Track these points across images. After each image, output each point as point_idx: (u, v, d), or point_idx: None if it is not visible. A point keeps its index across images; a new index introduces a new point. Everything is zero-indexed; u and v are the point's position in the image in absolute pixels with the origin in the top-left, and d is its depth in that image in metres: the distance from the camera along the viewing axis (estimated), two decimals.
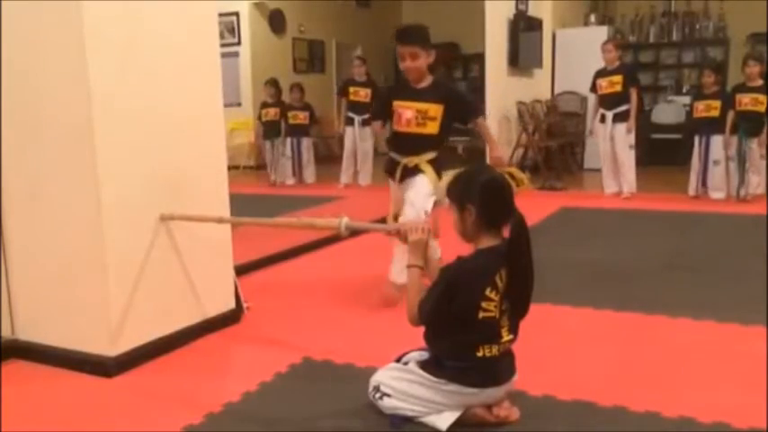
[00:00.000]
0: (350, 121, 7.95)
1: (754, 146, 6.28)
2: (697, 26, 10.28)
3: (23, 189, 2.77)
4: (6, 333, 2.86)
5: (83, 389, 2.54)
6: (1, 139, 2.75)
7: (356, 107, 7.91)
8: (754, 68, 6.26)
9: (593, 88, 6.95)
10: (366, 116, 7.80)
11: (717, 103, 6.44)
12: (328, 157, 9.88)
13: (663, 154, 8.62)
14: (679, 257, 4.36)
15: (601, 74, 6.86)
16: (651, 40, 10.59)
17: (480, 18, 7.74)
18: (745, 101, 6.26)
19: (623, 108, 6.69)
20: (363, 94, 7.89)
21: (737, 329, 2.97)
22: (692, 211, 5.93)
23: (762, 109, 6.20)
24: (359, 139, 7.91)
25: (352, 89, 7.95)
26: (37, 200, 2.75)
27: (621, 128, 6.70)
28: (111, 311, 2.65)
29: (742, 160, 6.29)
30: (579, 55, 8.76)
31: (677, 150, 8.27)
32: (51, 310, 2.79)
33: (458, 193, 2.16)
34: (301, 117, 8.37)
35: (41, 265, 2.79)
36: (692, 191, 6.61)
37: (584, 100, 8.76)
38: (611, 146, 6.78)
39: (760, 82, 6.27)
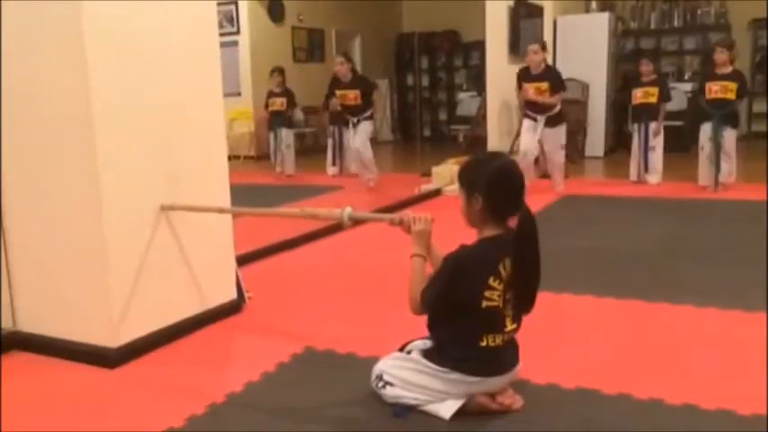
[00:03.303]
0: (346, 123, 7.26)
1: (727, 134, 6.11)
2: (698, 12, 10.23)
3: (24, 181, 2.76)
4: (8, 324, 2.86)
5: (84, 380, 2.54)
6: (1, 132, 2.74)
7: (348, 110, 7.08)
8: (722, 55, 6.09)
9: (519, 87, 6.56)
10: (365, 114, 7.01)
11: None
12: (325, 147, 9.81)
13: (665, 141, 8.58)
14: (681, 244, 4.35)
15: (526, 78, 6.46)
16: (652, 26, 10.55)
17: (480, 5, 7.68)
18: (715, 89, 6.11)
19: (553, 113, 6.42)
20: (352, 97, 6.96)
21: (740, 316, 2.97)
22: (694, 198, 5.91)
23: (731, 96, 6.04)
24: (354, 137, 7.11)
25: (339, 92, 7.06)
26: (38, 191, 2.74)
27: (552, 132, 6.43)
28: (113, 302, 2.65)
29: (717, 149, 6.10)
30: (580, 42, 8.72)
31: (679, 138, 8.24)
32: (52, 301, 2.79)
33: (467, 180, 2.13)
34: (278, 103, 8.01)
35: (42, 256, 2.78)
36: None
37: (585, 87, 8.72)
38: (541, 146, 6.57)
39: (729, 69, 6.12)
